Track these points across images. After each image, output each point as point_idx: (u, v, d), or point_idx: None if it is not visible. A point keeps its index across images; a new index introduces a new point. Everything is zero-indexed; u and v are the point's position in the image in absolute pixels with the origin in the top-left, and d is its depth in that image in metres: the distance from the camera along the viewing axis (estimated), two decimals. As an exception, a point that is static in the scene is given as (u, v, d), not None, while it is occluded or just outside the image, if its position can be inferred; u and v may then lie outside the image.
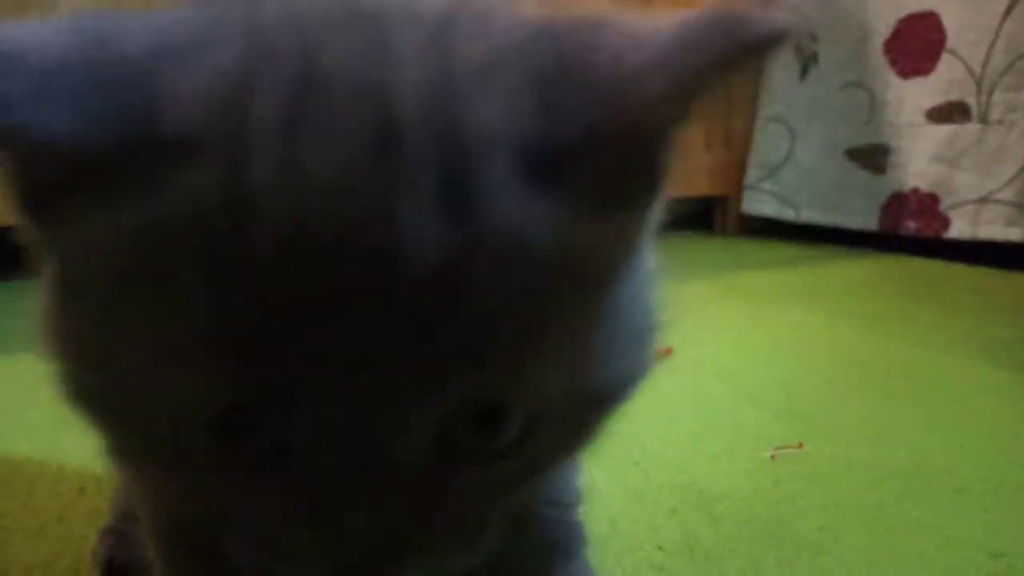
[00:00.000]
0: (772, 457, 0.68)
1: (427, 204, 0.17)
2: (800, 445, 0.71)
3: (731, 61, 0.17)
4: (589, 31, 0.19)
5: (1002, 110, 1.54)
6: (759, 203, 1.93)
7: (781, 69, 1.86)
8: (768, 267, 1.56)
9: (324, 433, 0.18)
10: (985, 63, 1.56)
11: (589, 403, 0.22)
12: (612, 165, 0.19)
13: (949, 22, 1.62)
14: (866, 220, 1.77)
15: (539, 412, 0.20)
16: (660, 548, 0.53)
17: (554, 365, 0.19)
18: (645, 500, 0.60)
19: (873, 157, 1.76)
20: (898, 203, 1.72)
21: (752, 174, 1.94)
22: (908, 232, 1.69)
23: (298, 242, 0.16)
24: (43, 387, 0.22)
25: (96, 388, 0.20)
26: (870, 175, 1.77)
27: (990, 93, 1.55)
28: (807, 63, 1.83)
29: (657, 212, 0.23)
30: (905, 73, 1.70)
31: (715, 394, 0.83)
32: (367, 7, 0.19)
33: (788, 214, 1.88)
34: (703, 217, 2.04)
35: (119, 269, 0.18)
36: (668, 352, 1.01)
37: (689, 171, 1.90)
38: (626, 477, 0.64)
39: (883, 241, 1.73)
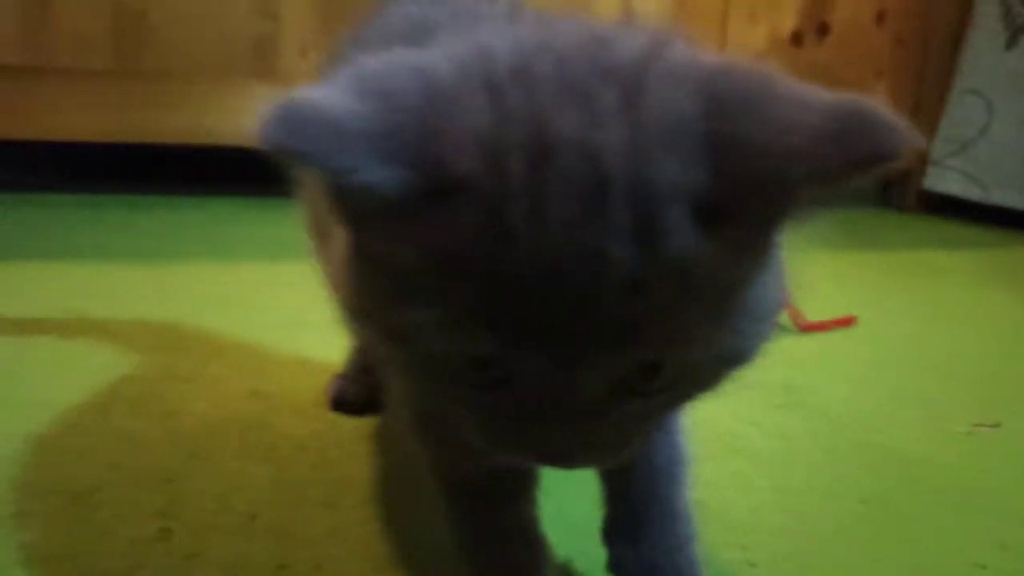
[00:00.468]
0: (968, 432, 0.68)
1: (625, 240, 0.24)
2: (997, 424, 0.70)
3: (865, 167, 0.23)
4: (755, 104, 0.25)
5: None
6: (944, 180, 1.82)
7: (987, 39, 1.74)
8: (953, 246, 1.49)
9: (544, 378, 0.27)
10: None
11: (719, 364, 0.29)
12: (757, 219, 0.26)
13: None
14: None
15: (684, 368, 0.28)
16: (863, 502, 0.54)
17: (698, 340, 0.27)
18: (839, 454, 0.62)
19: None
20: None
21: (939, 148, 1.83)
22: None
23: (540, 264, 0.24)
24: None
25: (381, 324, 0.28)
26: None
27: None
28: (1016, 34, 1.70)
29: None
30: None
31: (902, 364, 0.83)
32: (576, 64, 0.26)
33: (975, 193, 1.77)
34: (881, 190, 1.96)
35: (411, 264, 0.26)
36: (851, 320, 1.02)
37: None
38: (817, 430, 0.65)
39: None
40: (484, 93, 0.25)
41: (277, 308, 0.87)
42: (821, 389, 0.75)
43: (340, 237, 0.30)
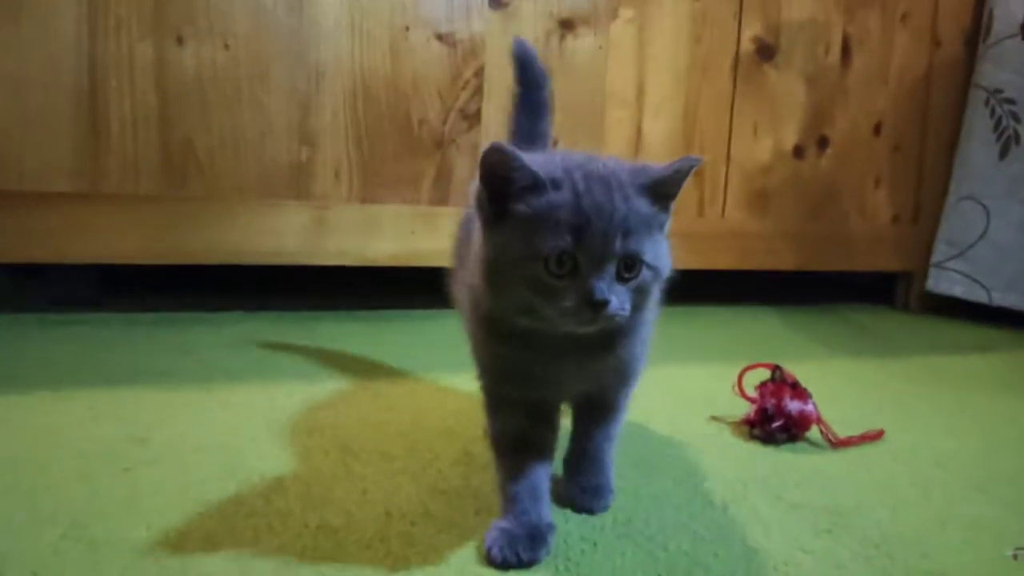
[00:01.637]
0: (1014, 557, 0.70)
1: (622, 205, 0.60)
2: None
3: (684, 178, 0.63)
4: (650, 170, 0.63)
5: None
6: (947, 282, 1.88)
7: (980, 148, 1.83)
8: (964, 350, 1.53)
9: (593, 261, 0.59)
10: None
11: (654, 272, 0.62)
12: (663, 195, 0.63)
13: None
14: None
15: (642, 267, 0.60)
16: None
17: (648, 250, 0.60)
18: (895, 583, 0.63)
19: (1077, 242, 1.70)
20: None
21: (940, 251, 1.90)
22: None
23: (591, 212, 0.59)
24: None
25: (511, 260, 0.61)
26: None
27: None
28: (1008, 143, 1.79)
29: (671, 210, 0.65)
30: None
31: (940, 483, 0.85)
32: (602, 172, 0.61)
33: (979, 295, 1.83)
34: (884, 292, 2.01)
35: (540, 212, 0.59)
36: (879, 435, 1.04)
37: (873, 244, 1.89)
38: (870, 559, 0.67)
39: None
40: (563, 170, 0.61)
41: (322, 430, 0.89)
42: (864, 511, 0.76)
43: (478, 242, 0.63)
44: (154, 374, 1.08)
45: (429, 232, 1.45)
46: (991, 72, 1.82)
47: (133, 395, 0.98)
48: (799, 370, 1.00)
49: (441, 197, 1.46)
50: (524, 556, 0.62)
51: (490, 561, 0.62)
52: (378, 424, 0.93)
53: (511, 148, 0.58)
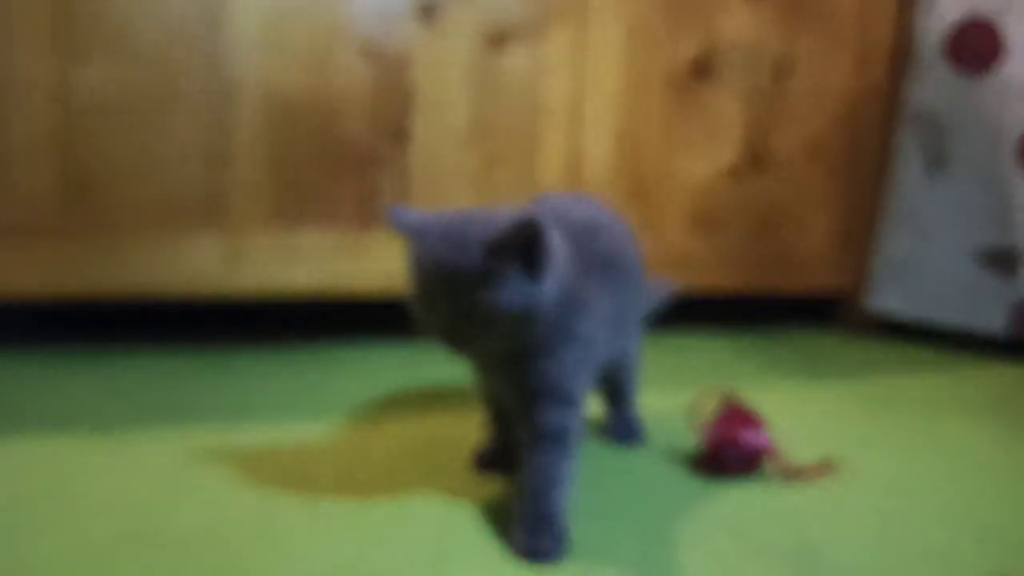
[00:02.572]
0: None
1: (471, 266, 0.64)
2: (1011, 578, 0.67)
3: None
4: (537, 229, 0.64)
5: None
6: (884, 301, 1.88)
7: (911, 167, 1.84)
8: (911, 370, 1.51)
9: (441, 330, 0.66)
10: None
11: (493, 309, 0.65)
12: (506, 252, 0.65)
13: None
14: (998, 325, 1.71)
15: (485, 320, 0.65)
16: None
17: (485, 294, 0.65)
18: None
19: (1005, 260, 1.71)
20: (1035, 307, 1.65)
21: (878, 271, 1.90)
22: (1047, 338, 1.62)
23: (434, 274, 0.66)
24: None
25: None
26: (1002, 278, 1.72)
27: None
28: (936, 163, 1.81)
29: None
30: (1043, 175, 1.66)
31: (900, 513, 0.80)
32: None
33: (916, 313, 1.83)
34: (823, 313, 2.00)
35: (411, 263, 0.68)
36: (831, 467, 1.00)
37: (814, 264, 1.87)
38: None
39: (1014, 346, 1.67)
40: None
41: (241, 482, 0.79)
42: (829, 548, 0.71)
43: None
44: (42, 421, 0.96)
45: (354, 259, 1.36)
46: (919, 93, 1.84)
47: (16, 447, 0.87)
48: (752, 396, 0.95)
49: (367, 221, 1.37)
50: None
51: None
52: (304, 475, 0.84)
53: (406, 211, 0.69)
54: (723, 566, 0.67)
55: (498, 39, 1.45)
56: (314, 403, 1.09)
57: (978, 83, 1.78)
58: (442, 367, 1.29)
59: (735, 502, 0.81)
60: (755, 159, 1.77)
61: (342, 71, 1.34)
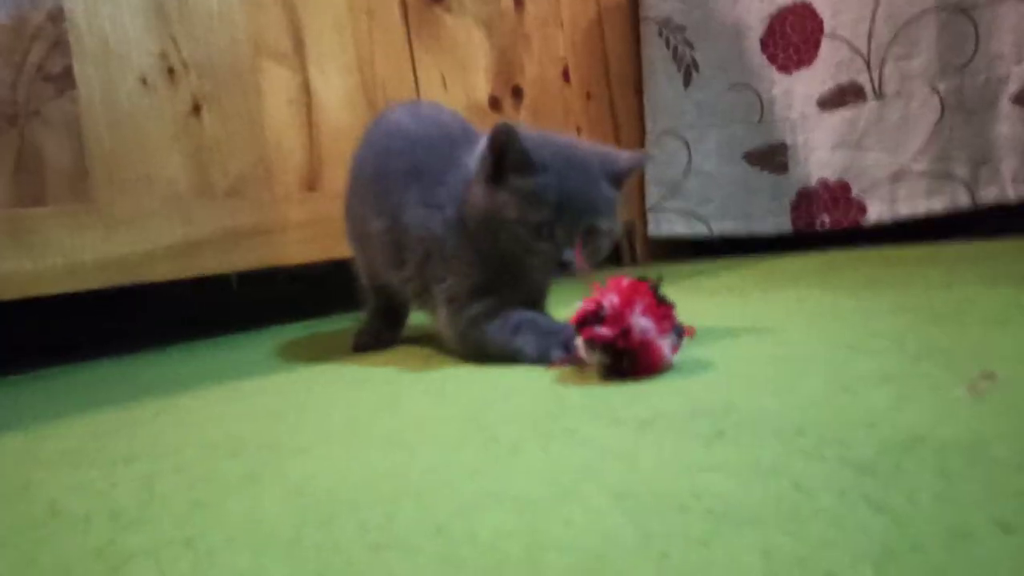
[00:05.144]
0: (970, 391, 0.48)
1: (602, 197, 0.78)
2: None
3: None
4: (615, 156, 0.81)
5: (897, 81, 1.51)
6: (668, 223, 1.80)
7: (664, 81, 1.78)
8: (712, 272, 1.41)
9: (564, 232, 0.76)
10: (869, 38, 1.53)
11: (610, 237, 0.79)
12: (620, 182, 0.82)
13: (823, 6, 1.60)
14: (778, 223, 1.68)
15: (604, 234, 0.78)
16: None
17: (607, 223, 0.78)
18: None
19: (772, 157, 1.69)
20: (807, 200, 1.64)
21: (653, 194, 1.82)
22: (824, 227, 1.61)
23: (565, 201, 0.75)
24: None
25: (507, 226, 0.77)
26: (773, 176, 1.69)
27: (881, 67, 1.53)
28: (688, 71, 1.76)
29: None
30: (787, 68, 1.66)
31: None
32: (580, 157, 0.78)
33: (700, 229, 1.76)
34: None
35: (520, 191, 0.75)
36: (691, 331, 0.77)
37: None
38: (794, 447, 0.41)
39: (799, 241, 1.65)
40: (551, 155, 0.77)
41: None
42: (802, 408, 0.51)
43: (478, 194, 0.77)
44: None
45: (14, 248, 0.98)
46: (657, 3, 1.78)
47: None
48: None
49: (30, 195, 0.99)
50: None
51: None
52: None
53: (516, 129, 0.72)
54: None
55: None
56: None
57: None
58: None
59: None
60: (512, 89, 1.61)
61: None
